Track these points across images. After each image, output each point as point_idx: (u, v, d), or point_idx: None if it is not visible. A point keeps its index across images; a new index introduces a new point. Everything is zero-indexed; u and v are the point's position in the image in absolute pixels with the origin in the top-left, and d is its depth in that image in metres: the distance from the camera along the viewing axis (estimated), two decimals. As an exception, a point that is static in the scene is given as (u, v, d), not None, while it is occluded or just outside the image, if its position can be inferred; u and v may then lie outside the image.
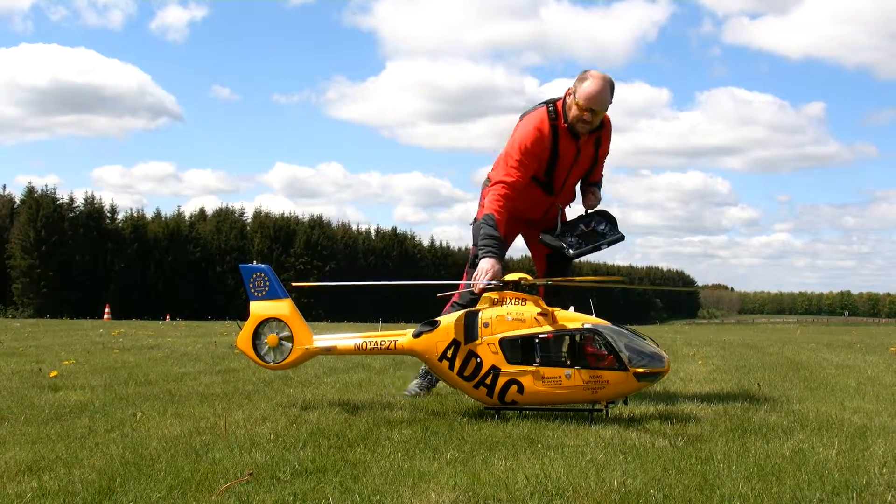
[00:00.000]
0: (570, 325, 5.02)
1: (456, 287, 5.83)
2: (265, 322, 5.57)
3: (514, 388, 5.02)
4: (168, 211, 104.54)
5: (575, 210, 6.31)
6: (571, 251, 5.91)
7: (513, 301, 5.17)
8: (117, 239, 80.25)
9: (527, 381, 4.99)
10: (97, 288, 74.05)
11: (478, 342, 5.09)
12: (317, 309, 68.91)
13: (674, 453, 4.05)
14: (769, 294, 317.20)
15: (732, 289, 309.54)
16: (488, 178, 6.10)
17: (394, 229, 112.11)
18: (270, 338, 5.55)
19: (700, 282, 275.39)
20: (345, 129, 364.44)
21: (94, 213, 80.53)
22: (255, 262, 5.70)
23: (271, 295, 5.59)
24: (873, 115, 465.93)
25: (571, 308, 5.24)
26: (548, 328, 5.02)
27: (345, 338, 5.53)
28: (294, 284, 6.94)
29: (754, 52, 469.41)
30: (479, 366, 5.08)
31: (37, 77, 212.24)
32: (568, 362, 4.99)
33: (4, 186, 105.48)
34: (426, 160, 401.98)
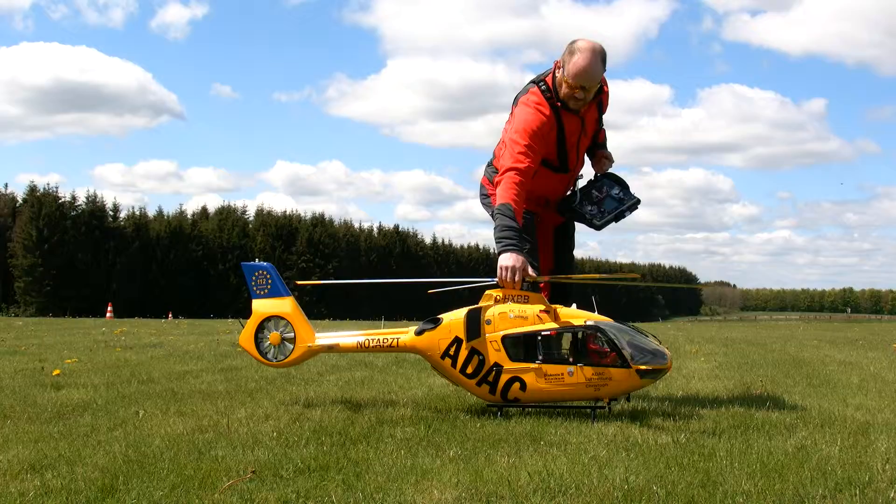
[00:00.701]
0: (573, 323, 5.01)
1: (456, 284, 5.79)
2: (267, 320, 5.57)
3: (517, 385, 5.01)
4: (170, 209, 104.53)
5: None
6: (596, 222, 5.74)
7: (515, 298, 5.15)
8: (119, 237, 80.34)
9: (529, 379, 4.98)
10: (99, 286, 74.14)
11: (480, 339, 5.08)
12: (319, 307, 69.00)
13: (676, 450, 4.05)
14: (771, 291, 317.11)
15: (735, 286, 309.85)
16: (492, 165, 5.96)
17: (396, 227, 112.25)
18: (273, 336, 5.54)
19: (702, 279, 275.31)
20: (346, 127, 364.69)
21: (96, 211, 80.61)
22: (256, 259, 5.67)
23: (273, 293, 5.59)
24: (874, 111, 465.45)
25: (574, 305, 5.23)
26: (550, 325, 5.00)
27: (347, 335, 5.53)
28: (298, 283, 6.92)
29: (755, 49, 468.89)
30: (482, 363, 5.06)
31: (38, 76, 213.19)
32: (570, 359, 4.98)
33: (6, 185, 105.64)
34: (427, 158, 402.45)
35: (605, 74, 5.62)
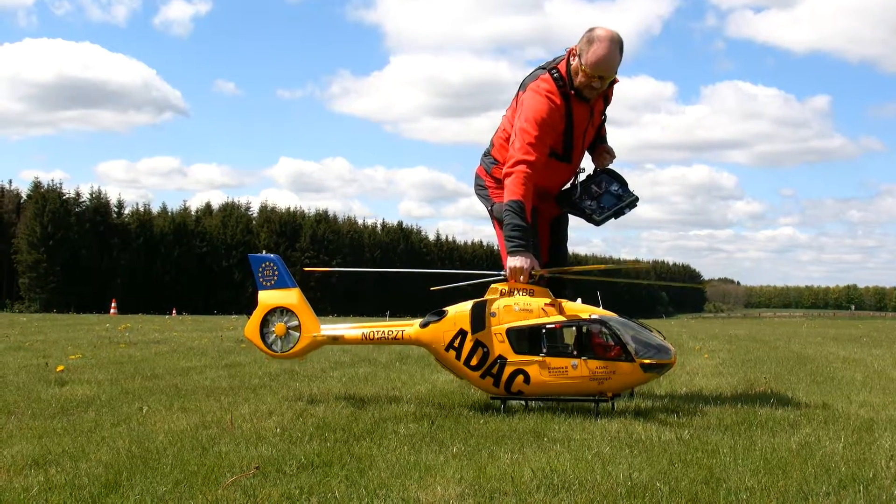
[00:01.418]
0: (578, 316, 5.00)
1: (466, 277, 5.73)
2: (273, 311, 5.58)
3: (521, 377, 5.00)
4: (174, 206, 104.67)
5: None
6: (596, 217, 5.69)
7: (520, 291, 5.14)
8: (123, 234, 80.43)
9: (533, 371, 4.97)
10: (103, 282, 74.26)
11: (485, 332, 5.07)
12: (323, 303, 68.95)
13: (680, 447, 4.04)
14: (775, 288, 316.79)
15: (739, 283, 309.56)
16: (490, 155, 5.92)
17: (399, 223, 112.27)
18: (278, 327, 5.56)
19: (706, 276, 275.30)
20: (349, 124, 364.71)
21: (100, 208, 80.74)
22: (263, 252, 5.65)
23: (280, 284, 5.61)
24: (878, 108, 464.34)
25: (579, 300, 5.22)
26: (555, 318, 5.00)
27: (352, 327, 5.53)
28: (306, 269, 6.89)
29: (759, 46, 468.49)
30: (486, 355, 5.06)
31: (41, 72, 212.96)
32: (574, 353, 4.97)
33: (11, 181, 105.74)
34: (431, 154, 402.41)
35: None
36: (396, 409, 5.16)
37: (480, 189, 6.00)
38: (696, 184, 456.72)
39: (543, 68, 5.59)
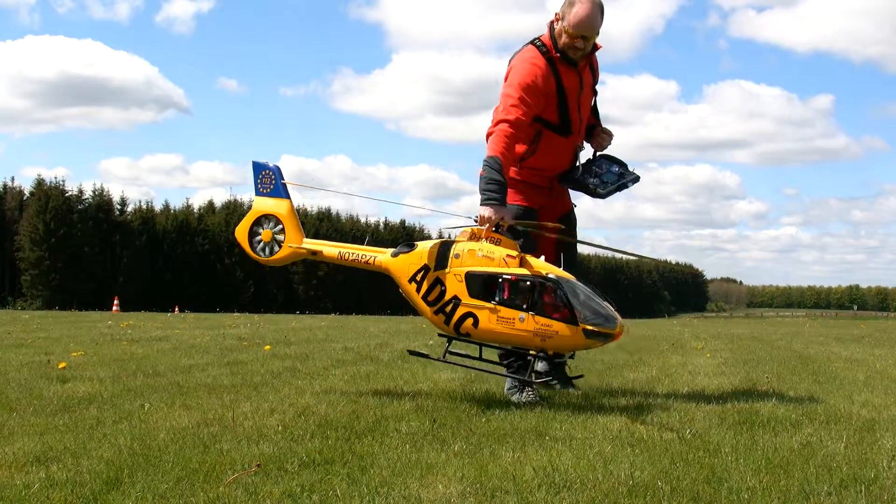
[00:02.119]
0: (532, 272, 5.05)
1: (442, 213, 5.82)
2: (263, 217, 5.86)
3: (470, 321, 5.14)
4: (176, 203, 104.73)
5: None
6: (601, 191, 5.72)
7: (488, 240, 5.23)
8: (126, 231, 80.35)
9: (483, 317, 5.08)
10: (106, 280, 74.26)
11: (446, 271, 5.22)
12: (325, 302, 69.02)
13: (682, 446, 4.04)
14: (778, 288, 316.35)
15: (741, 282, 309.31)
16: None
17: (402, 222, 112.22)
18: (265, 233, 5.85)
19: (709, 275, 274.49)
20: (351, 122, 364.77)
21: (102, 205, 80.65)
22: (268, 162, 6.00)
23: (275, 193, 5.88)
24: (881, 108, 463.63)
25: (542, 258, 5.25)
26: (513, 270, 5.06)
27: (331, 245, 5.80)
28: (286, 182, 6.81)
29: (761, 45, 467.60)
30: (443, 293, 5.21)
31: (44, 69, 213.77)
32: (524, 306, 5.01)
33: (13, 178, 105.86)
34: (433, 153, 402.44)
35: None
36: (398, 407, 5.16)
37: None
38: (699, 183, 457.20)
39: (529, 42, 5.70)
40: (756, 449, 4.00)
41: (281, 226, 5.81)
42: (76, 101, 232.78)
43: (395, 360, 8.40)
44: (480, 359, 5.66)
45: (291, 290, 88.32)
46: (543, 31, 5.69)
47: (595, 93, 5.94)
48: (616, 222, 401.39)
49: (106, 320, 19.95)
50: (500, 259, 5.12)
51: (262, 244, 5.87)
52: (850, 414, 5.11)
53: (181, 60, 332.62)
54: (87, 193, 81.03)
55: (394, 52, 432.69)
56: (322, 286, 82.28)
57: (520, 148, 5.63)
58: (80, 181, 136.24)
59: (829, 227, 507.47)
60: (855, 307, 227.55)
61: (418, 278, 5.32)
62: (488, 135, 5.52)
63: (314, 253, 5.77)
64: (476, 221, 5.33)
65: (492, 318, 5.05)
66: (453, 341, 5.41)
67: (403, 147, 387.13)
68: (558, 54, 5.57)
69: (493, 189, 5.27)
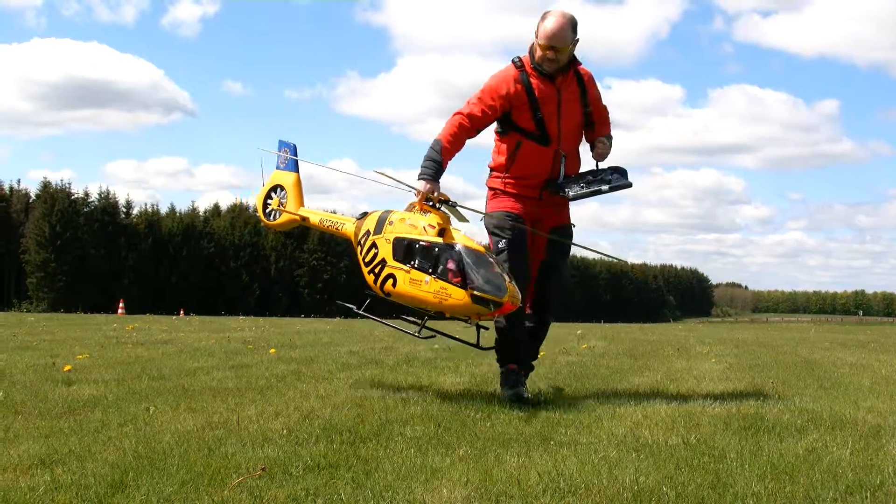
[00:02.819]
0: (443, 241, 5.44)
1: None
2: (277, 187, 6.87)
3: (391, 281, 5.60)
4: (182, 206, 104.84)
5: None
6: (570, 193, 5.87)
7: (420, 211, 5.70)
8: (131, 234, 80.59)
9: (400, 278, 5.54)
10: (111, 283, 74.46)
11: (381, 236, 5.75)
12: (330, 305, 68.99)
13: (687, 451, 4.04)
14: (783, 293, 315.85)
15: (746, 287, 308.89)
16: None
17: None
18: (275, 201, 6.90)
19: (714, 280, 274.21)
20: (356, 125, 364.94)
21: (108, 207, 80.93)
22: (282, 146, 7.02)
23: (288, 167, 6.88)
24: (887, 113, 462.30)
25: (462, 232, 5.63)
26: (428, 238, 5.48)
27: (316, 213, 6.75)
28: (297, 158, 7.39)
29: (766, 50, 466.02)
30: (375, 256, 5.75)
31: (50, 72, 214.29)
32: (430, 270, 5.40)
33: (19, 181, 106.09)
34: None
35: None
36: (403, 412, 5.16)
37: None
38: (704, 188, 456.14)
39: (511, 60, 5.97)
40: (761, 455, 3.99)
41: (285, 193, 6.78)
42: (82, 104, 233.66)
43: (399, 364, 8.40)
44: (394, 317, 6.29)
45: (296, 294, 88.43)
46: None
47: (585, 106, 5.99)
48: (621, 226, 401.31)
49: (111, 323, 19.98)
50: (421, 228, 5.58)
51: (273, 211, 6.88)
52: (856, 420, 5.10)
53: (187, 63, 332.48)
54: (93, 196, 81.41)
55: (399, 55, 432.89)
56: (327, 290, 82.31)
57: (501, 157, 5.96)
58: (85, 184, 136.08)
59: (834, 232, 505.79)
60: (860, 312, 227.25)
61: (362, 241, 5.93)
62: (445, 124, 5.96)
63: (304, 219, 6.67)
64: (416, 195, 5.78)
65: (406, 279, 5.51)
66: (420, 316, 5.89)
67: (408, 150, 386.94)
68: (534, 68, 5.79)
69: (428, 167, 5.72)
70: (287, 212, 6.74)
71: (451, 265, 5.32)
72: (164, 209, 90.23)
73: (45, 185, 79.13)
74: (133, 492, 3.26)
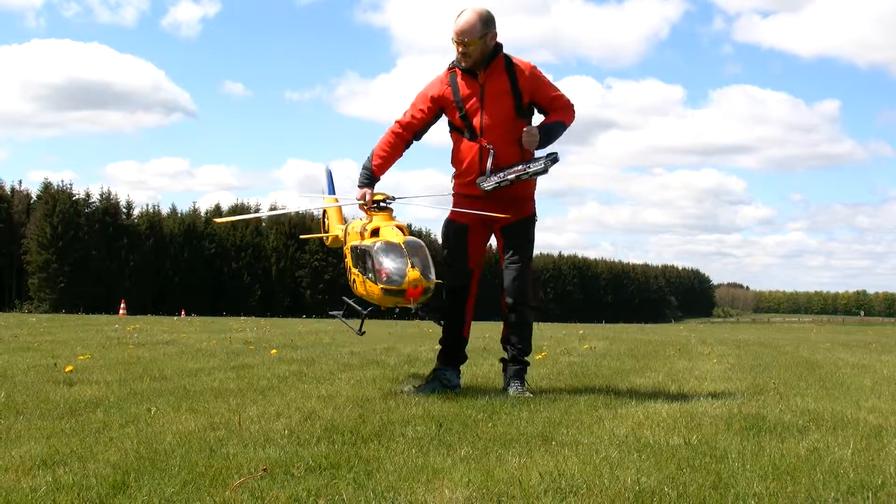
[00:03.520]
0: (370, 241, 5.79)
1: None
2: (325, 211, 7.48)
3: (352, 280, 6.02)
4: (183, 207, 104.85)
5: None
6: (483, 185, 5.99)
7: (367, 217, 6.19)
8: (133, 235, 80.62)
9: (358, 280, 5.89)
10: (113, 283, 74.52)
11: (346, 245, 6.27)
12: (330, 306, 68.92)
13: (688, 452, 4.04)
14: (784, 293, 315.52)
15: (747, 287, 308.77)
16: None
17: (409, 226, 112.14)
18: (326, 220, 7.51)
19: (715, 280, 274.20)
20: (356, 126, 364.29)
21: (109, 208, 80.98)
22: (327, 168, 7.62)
23: (329, 192, 7.52)
24: (888, 114, 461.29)
25: (394, 226, 5.91)
26: (363, 242, 5.84)
27: (340, 225, 7.08)
28: (216, 220, 8.91)
29: (766, 51, 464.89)
30: (346, 264, 6.19)
31: (50, 73, 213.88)
32: (362, 269, 5.79)
33: (20, 182, 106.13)
34: (439, 158, 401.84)
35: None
36: (404, 412, 5.16)
37: None
38: (705, 188, 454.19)
39: None
40: (763, 455, 3.99)
41: (326, 215, 7.42)
42: (82, 105, 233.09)
43: (401, 365, 8.39)
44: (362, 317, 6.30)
45: (298, 295, 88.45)
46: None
47: (517, 97, 6.02)
48: (622, 227, 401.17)
49: (113, 324, 19.99)
50: (359, 232, 6.05)
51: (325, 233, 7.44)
52: (858, 420, 5.10)
53: (187, 64, 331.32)
54: (94, 197, 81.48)
55: (399, 56, 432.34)
56: (330, 292, 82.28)
57: (452, 159, 6.29)
58: (86, 185, 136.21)
59: (835, 233, 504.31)
60: (862, 313, 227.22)
61: (343, 249, 6.41)
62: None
63: (336, 238, 7.03)
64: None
65: (358, 279, 5.89)
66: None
67: (409, 152, 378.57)
68: (457, 66, 6.03)
69: (361, 175, 6.24)
70: (328, 235, 7.29)
71: (369, 263, 5.71)
72: (165, 210, 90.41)
73: (47, 186, 79.20)
74: (135, 492, 3.26)
